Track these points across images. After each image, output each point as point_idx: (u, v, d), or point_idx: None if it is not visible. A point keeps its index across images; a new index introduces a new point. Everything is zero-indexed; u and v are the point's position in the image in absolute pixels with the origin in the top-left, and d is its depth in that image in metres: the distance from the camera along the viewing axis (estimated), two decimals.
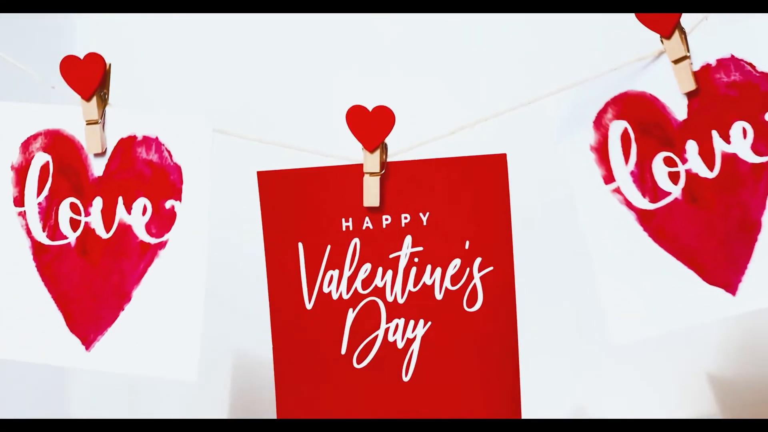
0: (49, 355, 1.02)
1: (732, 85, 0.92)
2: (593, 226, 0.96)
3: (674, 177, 0.94)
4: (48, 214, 1.02)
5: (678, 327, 0.95)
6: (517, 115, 0.96)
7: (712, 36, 0.92)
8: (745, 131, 0.92)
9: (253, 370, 1.41)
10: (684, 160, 0.93)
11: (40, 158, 1.01)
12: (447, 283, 0.96)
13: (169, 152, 0.99)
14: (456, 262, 0.96)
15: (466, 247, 0.95)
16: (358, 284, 0.97)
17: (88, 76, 0.99)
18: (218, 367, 1.41)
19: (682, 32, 0.92)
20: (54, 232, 1.01)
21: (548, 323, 1.34)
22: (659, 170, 0.94)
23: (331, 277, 0.98)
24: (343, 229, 0.97)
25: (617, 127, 0.95)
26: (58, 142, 1.01)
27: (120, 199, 1.00)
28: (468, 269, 0.96)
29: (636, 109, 0.94)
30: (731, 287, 0.93)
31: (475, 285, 0.96)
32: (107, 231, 1.00)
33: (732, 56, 0.91)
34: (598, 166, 0.96)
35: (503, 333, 0.95)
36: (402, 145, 0.96)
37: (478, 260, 0.95)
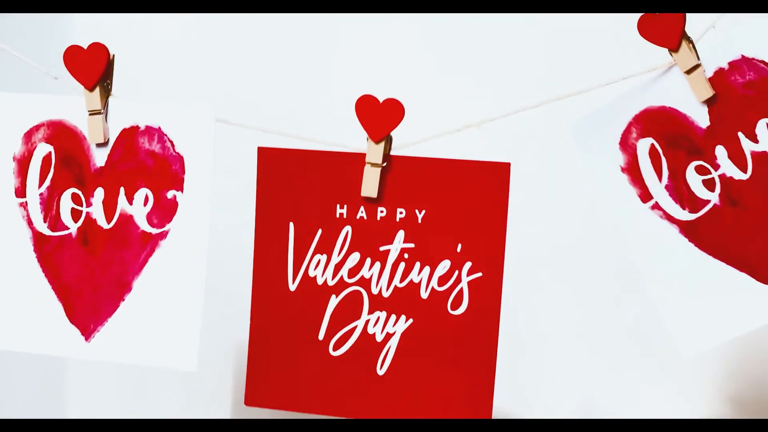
0: (48, 346, 1.02)
1: (749, 85, 0.92)
2: (640, 246, 0.96)
3: (709, 184, 0.94)
4: (49, 204, 1.02)
5: (741, 331, 0.95)
6: (524, 118, 0.96)
7: (719, 40, 0.92)
8: None
9: None
10: (716, 167, 0.93)
11: (43, 149, 1.02)
12: (434, 283, 0.95)
13: (171, 143, 0.99)
14: (445, 264, 0.95)
15: (458, 250, 0.95)
16: (344, 272, 0.97)
17: (91, 67, 0.99)
18: (218, 363, 1.42)
19: (690, 42, 0.92)
20: (55, 222, 1.02)
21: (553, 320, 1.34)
22: (693, 180, 0.94)
23: (319, 261, 0.97)
24: (337, 215, 0.97)
25: (644, 145, 0.95)
26: (60, 133, 1.01)
27: (122, 190, 1.00)
28: (457, 272, 0.95)
29: (659, 124, 0.94)
30: None
31: (461, 289, 0.95)
32: (108, 221, 1.00)
33: (743, 56, 0.92)
34: (632, 185, 0.96)
35: (483, 340, 0.94)
36: (406, 140, 0.95)
37: (468, 264, 0.94)
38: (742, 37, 0.91)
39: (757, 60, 0.91)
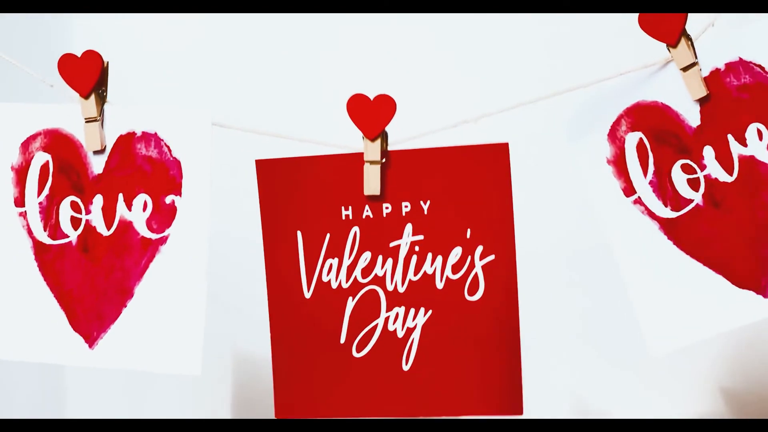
0: (52, 355, 1.02)
1: (743, 88, 0.91)
2: (618, 239, 0.96)
3: (694, 184, 0.93)
4: (49, 213, 1.02)
5: (712, 334, 0.94)
6: (520, 113, 0.96)
7: (718, 40, 0.91)
8: (760, 132, 0.91)
9: (254, 368, 1.41)
10: (702, 167, 0.93)
11: (40, 158, 1.02)
12: (448, 271, 0.95)
13: (168, 147, 0.99)
14: (457, 251, 0.95)
15: (468, 235, 0.95)
16: (357, 273, 0.97)
17: (86, 74, 0.99)
18: (219, 366, 1.41)
19: (688, 39, 0.91)
20: (55, 231, 1.02)
21: (550, 319, 1.34)
22: (678, 178, 0.94)
23: (331, 265, 0.97)
24: (343, 217, 0.96)
25: (632, 139, 0.95)
26: (57, 141, 1.01)
27: (120, 196, 1.00)
28: (469, 258, 0.95)
29: (649, 118, 0.94)
30: (761, 289, 0.92)
31: (476, 274, 0.95)
32: (108, 228, 1.00)
33: (740, 59, 0.91)
34: (616, 178, 0.95)
35: (505, 322, 0.95)
36: (403, 135, 0.95)
37: (480, 249, 0.95)
38: (741, 39, 0.90)
39: (754, 63, 0.90)
